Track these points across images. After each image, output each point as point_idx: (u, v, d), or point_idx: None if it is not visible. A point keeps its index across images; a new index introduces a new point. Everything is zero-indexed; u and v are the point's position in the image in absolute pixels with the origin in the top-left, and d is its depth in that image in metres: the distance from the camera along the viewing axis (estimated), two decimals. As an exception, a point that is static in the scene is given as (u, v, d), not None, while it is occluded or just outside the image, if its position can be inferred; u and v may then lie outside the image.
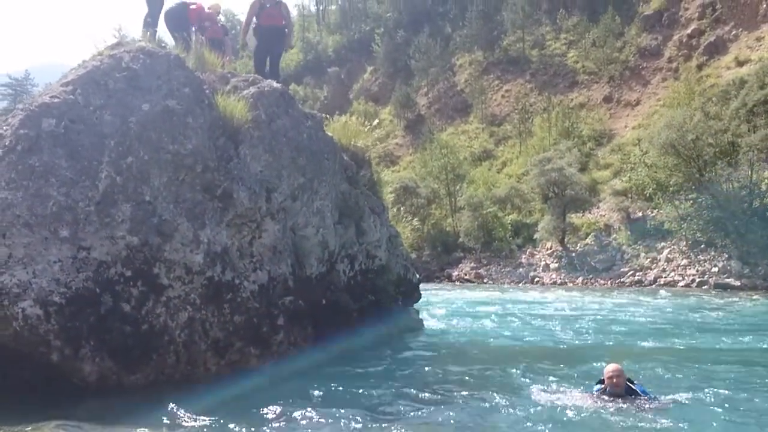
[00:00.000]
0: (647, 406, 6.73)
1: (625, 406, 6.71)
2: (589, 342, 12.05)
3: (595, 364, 9.18)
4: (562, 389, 7.68)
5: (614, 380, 6.91)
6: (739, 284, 26.47)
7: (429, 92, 59.12)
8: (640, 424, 6.20)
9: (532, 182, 38.20)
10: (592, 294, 25.41)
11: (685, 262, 29.89)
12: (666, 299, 22.27)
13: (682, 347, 11.30)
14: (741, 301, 20.93)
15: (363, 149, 12.44)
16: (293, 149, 9.99)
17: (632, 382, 7.12)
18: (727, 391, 7.55)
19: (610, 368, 7.09)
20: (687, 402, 7.11)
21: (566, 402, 6.98)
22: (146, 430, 5.85)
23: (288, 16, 12.62)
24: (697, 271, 28.87)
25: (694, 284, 28.06)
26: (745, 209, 28.35)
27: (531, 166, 38.42)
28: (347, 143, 11.95)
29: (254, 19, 12.14)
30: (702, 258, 29.43)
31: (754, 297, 22.45)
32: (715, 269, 28.29)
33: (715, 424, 6.29)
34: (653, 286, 29.31)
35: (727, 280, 27.13)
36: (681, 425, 6.16)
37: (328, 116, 13.33)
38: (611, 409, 6.65)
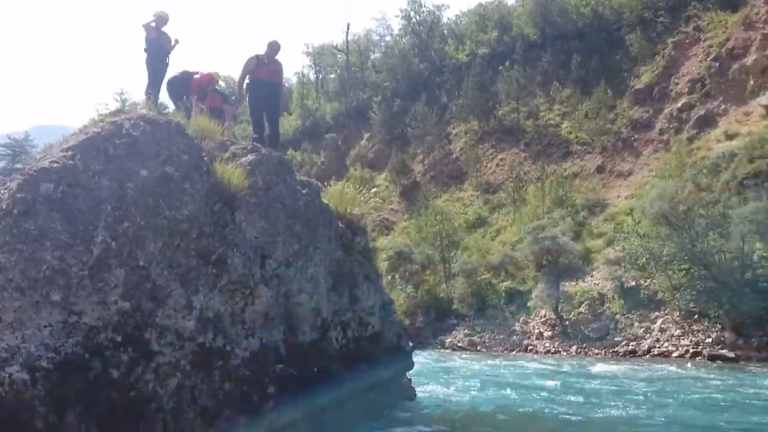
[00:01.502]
0: None
1: None
2: (594, 415, 11.85)
3: None
4: None
5: None
6: (733, 355, 26.25)
7: (425, 159, 59.82)
8: None
9: (525, 250, 38.28)
10: (589, 364, 25.15)
11: (678, 332, 29.71)
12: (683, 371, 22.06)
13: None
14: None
15: (359, 217, 12.53)
16: (289, 216, 10.07)
17: None
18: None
19: None
20: None
21: None
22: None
23: (282, 76, 12.93)
24: (691, 341, 28.67)
25: (688, 355, 27.83)
26: (738, 280, 28.39)
27: (525, 234, 38.57)
28: (343, 210, 12.04)
29: (248, 76, 12.37)
30: (696, 328, 29.27)
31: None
32: (709, 340, 28.11)
33: None
34: (647, 356, 29.05)
35: (722, 351, 26.91)
36: None
37: (325, 184, 13.49)
38: None
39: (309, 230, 10.43)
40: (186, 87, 12.65)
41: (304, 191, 10.83)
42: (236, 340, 8.75)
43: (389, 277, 39.05)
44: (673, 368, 23.34)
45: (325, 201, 11.73)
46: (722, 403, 13.48)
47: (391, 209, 56.76)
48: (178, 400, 7.93)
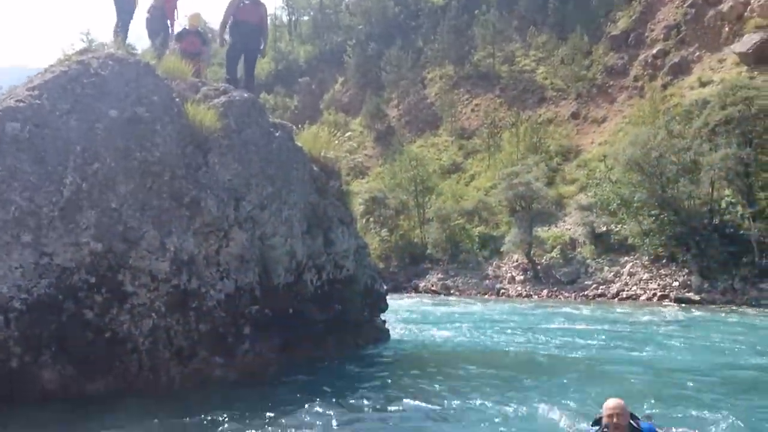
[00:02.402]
0: None
1: None
2: (558, 353, 12.14)
3: (565, 376, 9.29)
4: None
5: (614, 419, 5.71)
6: (698, 299, 27.01)
7: (399, 104, 59.37)
8: None
9: (499, 195, 38.53)
10: (559, 306, 25.71)
11: (646, 276, 30.42)
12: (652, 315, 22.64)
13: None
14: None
15: (333, 160, 12.47)
16: (262, 159, 10.00)
17: (636, 419, 5.97)
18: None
19: (610, 405, 5.82)
20: None
21: None
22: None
23: (265, 18, 12.41)
24: (659, 285, 29.40)
25: (656, 298, 28.57)
26: (706, 225, 28.98)
27: (499, 180, 38.77)
28: (317, 154, 11.97)
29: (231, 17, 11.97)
30: (663, 273, 29.98)
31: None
32: (676, 284, 28.84)
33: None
34: (615, 299, 29.77)
35: (687, 294, 27.67)
36: None
37: (299, 126, 13.35)
38: None
39: (283, 173, 10.38)
40: (163, 15, 12.29)
41: (277, 134, 10.73)
42: (211, 282, 8.78)
43: (363, 221, 39.16)
44: (639, 310, 23.96)
45: (299, 144, 11.64)
46: (688, 343, 13.92)
47: (366, 155, 56.55)
48: (153, 341, 7.99)
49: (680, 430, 6.17)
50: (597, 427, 5.81)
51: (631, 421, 5.78)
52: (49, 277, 7.31)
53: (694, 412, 6.93)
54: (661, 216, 30.20)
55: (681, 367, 10.59)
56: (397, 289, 35.31)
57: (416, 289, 37.68)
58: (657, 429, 5.91)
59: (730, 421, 6.79)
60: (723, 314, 22.08)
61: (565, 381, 9.07)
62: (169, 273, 8.18)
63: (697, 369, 10.44)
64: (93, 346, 7.46)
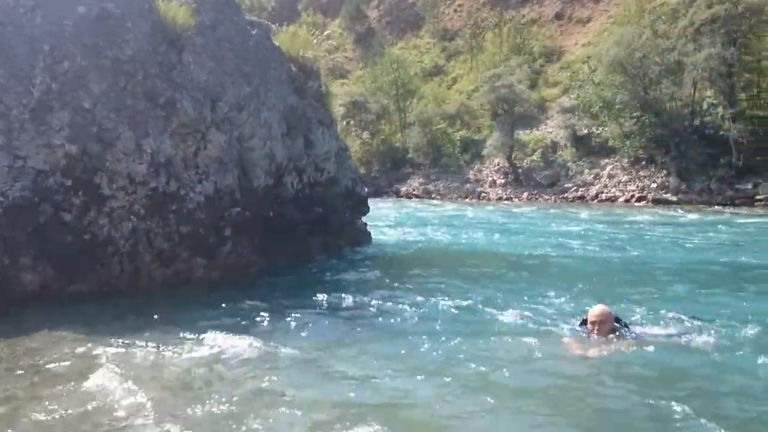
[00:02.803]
0: (631, 349, 5.52)
1: (604, 353, 5.51)
2: (539, 253, 12.32)
3: (548, 275, 9.46)
4: (530, 320, 6.67)
5: (597, 327, 5.71)
6: (675, 199, 27.44)
7: (380, 5, 57.63)
8: (622, 372, 5.08)
9: (481, 98, 38.18)
10: (539, 208, 26.02)
11: (626, 178, 30.74)
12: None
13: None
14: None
15: (311, 60, 12.16)
16: (238, 57, 9.72)
17: (620, 323, 5.86)
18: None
19: (594, 312, 5.80)
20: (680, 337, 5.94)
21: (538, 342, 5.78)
22: (88, 336, 5.85)
23: None
24: (637, 186, 29.77)
25: (634, 199, 28.98)
26: (686, 127, 29.07)
27: (481, 83, 38.31)
28: (295, 54, 11.64)
29: None
30: (642, 174, 30.30)
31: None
32: (654, 185, 29.21)
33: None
34: (595, 201, 30.16)
35: (665, 195, 28.09)
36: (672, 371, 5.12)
37: (276, 25, 12.94)
38: (588, 356, 5.51)
39: (260, 72, 10.12)
40: None
41: (253, 32, 10.39)
42: (190, 184, 8.69)
43: (344, 123, 38.80)
44: (619, 212, 24.31)
45: (276, 44, 11.30)
46: (667, 242, 14.21)
47: (346, 57, 55.35)
48: (134, 243, 7.98)
49: (660, 331, 6.02)
50: (583, 327, 5.87)
51: (617, 324, 5.80)
52: (24, 180, 7.19)
53: (673, 309, 7.08)
54: (643, 118, 30.21)
55: (660, 265, 10.81)
56: (379, 193, 35.47)
57: (398, 194, 37.88)
58: (641, 332, 5.86)
59: (708, 315, 6.99)
60: (699, 214, 22.48)
61: (548, 279, 9.20)
62: (146, 175, 8.08)
63: (677, 266, 10.68)
64: (73, 248, 7.43)
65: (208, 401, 4.33)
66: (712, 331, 5.99)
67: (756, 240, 14.82)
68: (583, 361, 5.42)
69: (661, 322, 6.41)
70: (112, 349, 5.48)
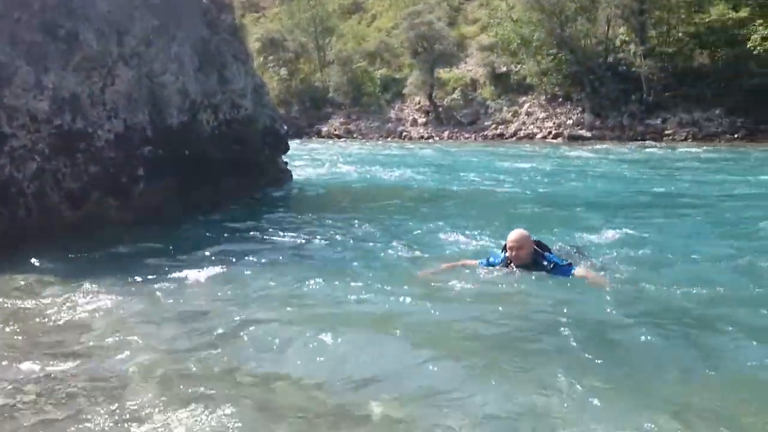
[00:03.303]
0: (550, 282, 5.45)
1: (521, 283, 5.41)
2: (460, 189, 12.49)
3: (470, 208, 9.58)
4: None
5: (514, 252, 5.63)
6: (590, 135, 28.29)
7: (296, -63, 55.71)
8: (532, 302, 5.02)
9: (401, 36, 37.86)
10: (459, 146, 26.31)
11: (543, 115, 31.40)
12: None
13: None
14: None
15: (223, -8, 11.65)
16: (144, -13, 9.20)
17: (545, 249, 5.83)
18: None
19: (511, 237, 5.71)
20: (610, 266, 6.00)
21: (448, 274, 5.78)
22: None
23: None
24: (554, 123, 30.48)
25: (551, 136, 29.69)
26: (600, 64, 29.78)
27: (401, 20, 37.92)
28: (205, -16, 11.12)
29: None
30: (559, 111, 31.01)
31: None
32: (570, 122, 29.97)
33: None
34: (513, 138, 30.75)
35: (580, 131, 28.90)
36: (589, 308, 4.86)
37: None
38: (501, 286, 5.43)
39: (168, 4, 9.62)
40: None
41: (159, -40, 9.83)
42: (98, 122, 8.28)
43: (261, 59, 37.81)
44: (536, 147, 24.89)
45: (186, -26, 10.76)
46: (581, 176, 14.68)
47: (262, -7, 53.56)
48: (40, 184, 7.59)
49: (579, 260, 5.95)
50: (504, 254, 5.76)
51: (538, 249, 5.72)
52: None
53: (589, 235, 7.34)
54: (559, 55, 30.74)
55: (576, 196, 11.17)
56: (299, 134, 35.03)
57: (319, 134, 37.52)
58: (563, 261, 5.70)
59: (619, 236, 7.30)
60: (611, 147, 23.30)
61: (469, 213, 9.27)
62: (49, 113, 7.64)
63: (591, 198, 11.06)
64: (-27, 191, 7.03)
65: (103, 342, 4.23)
66: (627, 263, 6.05)
67: (666, 172, 15.50)
68: (492, 292, 5.27)
69: (579, 252, 6.39)
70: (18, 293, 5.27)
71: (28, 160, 7.45)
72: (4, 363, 3.88)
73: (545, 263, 5.62)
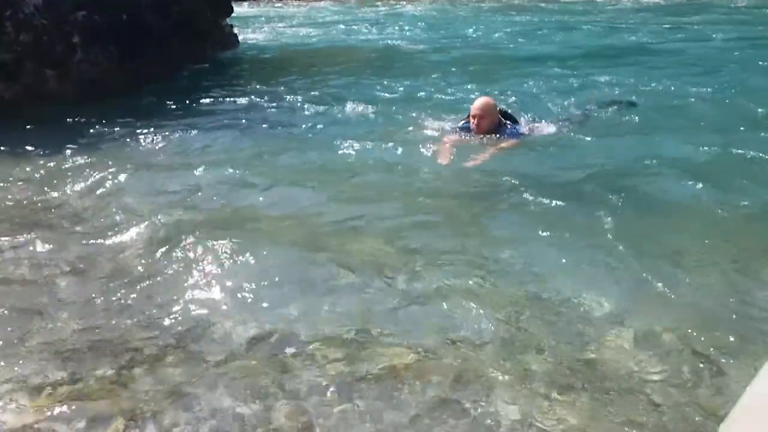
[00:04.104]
0: (504, 145, 5.19)
1: (475, 154, 5.04)
2: (416, 48, 11.99)
3: (427, 70, 9.19)
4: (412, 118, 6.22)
5: (476, 120, 5.32)
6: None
7: None
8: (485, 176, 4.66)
9: None
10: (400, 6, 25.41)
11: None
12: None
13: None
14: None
15: None
16: None
17: (510, 118, 5.54)
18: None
19: (474, 104, 5.41)
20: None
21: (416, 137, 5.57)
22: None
23: None
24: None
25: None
26: None
27: None
28: None
29: None
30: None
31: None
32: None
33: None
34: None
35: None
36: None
37: None
38: (461, 157, 4.99)
39: None
40: None
41: None
42: (24, -14, 7.64)
43: None
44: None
45: None
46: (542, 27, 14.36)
47: None
48: (-32, 57, 7.10)
49: (548, 128, 5.68)
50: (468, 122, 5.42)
51: (503, 118, 5.43)
52: None
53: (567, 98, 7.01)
54: None
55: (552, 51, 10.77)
56: (242, -2, 33.20)
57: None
58: (525, 129, 5.52)
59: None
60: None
61: (431, 76, 8.72)
62: (-31, -23, 7.00)
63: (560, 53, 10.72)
64: None
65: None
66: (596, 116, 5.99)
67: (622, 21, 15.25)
68: (453, 163, 4.89)
69: (551, 117, 6.07)
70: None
71: (-48, 31, 6.90)
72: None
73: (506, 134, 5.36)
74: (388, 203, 4.09)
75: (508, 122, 5.50)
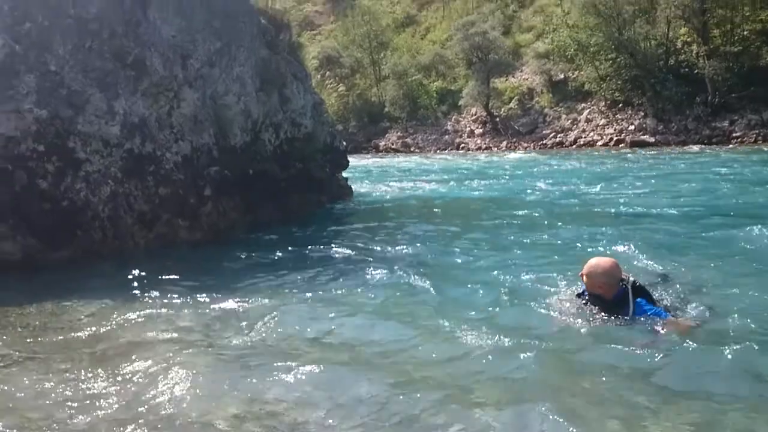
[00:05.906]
0: (630, 335, 4.17)
1: (593, 325, 4.37)
2: (531, 200, 12.12)
3: (543, 225, 9.05)
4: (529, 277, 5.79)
5: (590, 281, 4.51)
6: (653, 140, 27.56)
7: (348, -45, 56.44)
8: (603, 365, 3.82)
9: (455, 48, 37.82)
10: (520, 158, 26.03)
11: (603, 121, 30.77)
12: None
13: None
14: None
15: (281, 12, 11.90)
16: (206, 11, 9.45)
17: (638, 289, 4.44)
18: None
19: (587, 265, 4.53)
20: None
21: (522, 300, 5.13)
22: (78, 302, 5.77)
23: None
24: (615, 129, 29.84)
25: (612, 142, 29.06)
26: (661, 67, 29.03)
27: (454, 31, 37.88)
28: (264, 5, 11.37)
29: None
30: (620, 117, 30.34)
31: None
32: (632, 127, 29.28)
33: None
34: (573, 146, 30.21)
35: (643, 137, 28.19)
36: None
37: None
38: (574, 325, 4.45)
39: (230, 27, 9.86)
40: None
41: (220, -15, 10.09)
42: (165, 144, 8.53)
43: (318, 77, 38.33)
44: (598, 155, 24.39)
45: (245, -3, 11.02)
46: (651, 185, 14.30)
47: (316, 11, 54.36)
48: (113, 207, 7.84)
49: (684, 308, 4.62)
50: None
51: (623, 282, 4.42)
52: (-5, 147, 6.99)
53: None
54: (618, 59, 30.14)
55: (652, 209, 10.19)
56: (357, 149, 35.25)
57: (377, 149, 37.71)
58: (656, 307, 4.43)
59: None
60: (677, 154, 22.63)
61: (547, 232, 8.35)
62: (120, 137, 7.90)
63: (666, 211, 10.01)
64: (52, 215, 7.29)
65: (203, 355, 4.30)
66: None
67: (746, 178, 14.88)
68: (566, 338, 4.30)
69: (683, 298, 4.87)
70: (107, 311, 5.42)
71: (102, 184, 7.70)
72: (81, 385, 3.99)
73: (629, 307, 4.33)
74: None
75: (636, 297, 4.42)
